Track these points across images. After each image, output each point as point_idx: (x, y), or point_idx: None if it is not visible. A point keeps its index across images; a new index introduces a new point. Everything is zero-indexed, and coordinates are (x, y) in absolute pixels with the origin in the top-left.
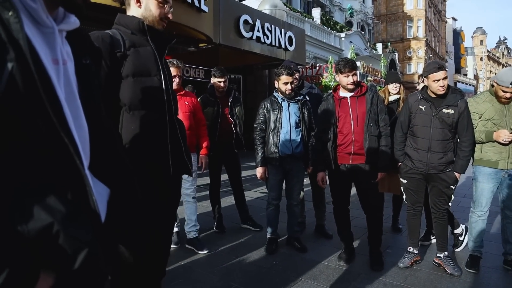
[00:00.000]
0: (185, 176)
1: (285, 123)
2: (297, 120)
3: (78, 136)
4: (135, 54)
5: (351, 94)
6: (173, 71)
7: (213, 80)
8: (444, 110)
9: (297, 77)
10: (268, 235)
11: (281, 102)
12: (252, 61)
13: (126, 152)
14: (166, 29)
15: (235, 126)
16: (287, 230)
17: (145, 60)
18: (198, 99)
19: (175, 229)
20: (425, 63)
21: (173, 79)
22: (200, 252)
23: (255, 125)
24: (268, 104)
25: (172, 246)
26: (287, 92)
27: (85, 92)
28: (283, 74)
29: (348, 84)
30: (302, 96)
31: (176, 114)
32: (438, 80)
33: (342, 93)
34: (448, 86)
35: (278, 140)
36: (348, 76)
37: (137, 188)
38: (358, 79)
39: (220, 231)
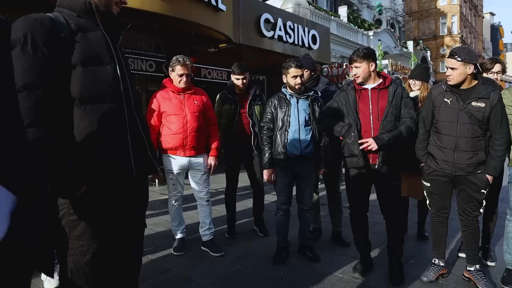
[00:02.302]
0: (196, 179)
1: (294, 121)
2: (307, 118)
3: None
4: (84, 40)
5: (373, 86)
6: (179, 69)
7: (233, 77)
8: (474, 103)
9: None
10: (278, 243)
11: (289, 98)
12: (276, 61)
13: (72, 152)
14: (181, 28)
15: (253, 125)
16: (298, 238)
17: (96, 47)
18: (217, 96)
19: (180, 235)
20: None
21: (180, 78)
22: (215, 254)
23: (261, 124)
24: (276, 101)
25: (175, 253)
26: (296, 87)
27: None
28: (291, 67)
29: (354, 75)
30: (312, 92)
31: (136, 107)
32: (447, 68)
33: (363, 84)
34: (478, 76)
35: (286, 140)
36: (351, 68)
37: (47, 196)
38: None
39: (231, 236)
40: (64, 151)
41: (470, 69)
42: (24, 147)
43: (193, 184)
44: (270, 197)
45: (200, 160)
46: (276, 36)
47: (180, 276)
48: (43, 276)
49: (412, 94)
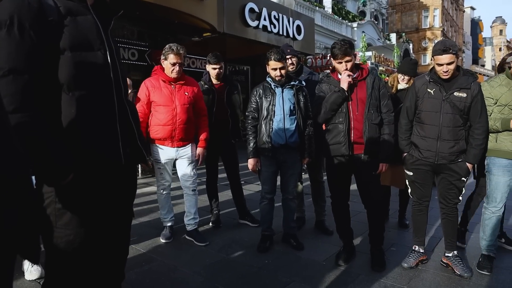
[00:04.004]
0: (184, 168)
1: (278, 111)
2: (292, 107)
3: None
4: (73, 24)
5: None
6: (172, 58)
7: (208, 66)
8: (456, 94)
9: (294, 62)
10: (262, 232)
11: (274, 88)
12: (260, 51)
13: (64, 139)
14: (165, 16)
15: (231, 115)
16: (282, 226)
17: (85, 31)
18: None
19: (169, 223)
20: None
21: (173, 67)
22: (199, 244)
23: (246, 113)
24: (261, 90)
25: (162, 241)
26: (276, 78)
27: None
28: (271, 59)
29: (343, 71)
30: (297, 81)
31: (126, 95)
32: (441, 65)
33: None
34: (459, 67)
35: (270, 129)
36: (341, 63)
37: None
38: (357, 62)
39: (215, 226)
40: (51, 138)
41: (458, 60)
42: (7, 132)
43: (180, 173)
44: (253, 187)
45: (187, 150)
46: (260, 26)
47: (165, 265)
48: (24, 267)
49: (401, 87)
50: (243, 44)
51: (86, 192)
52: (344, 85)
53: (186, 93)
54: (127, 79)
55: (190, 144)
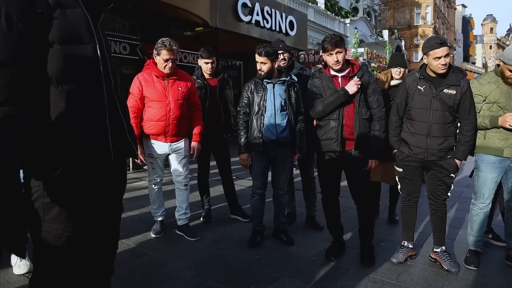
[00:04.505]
0: (176, 163)
1: (270, 106)
2: (283, 103)
3: None
4: (62, 16)
5: (343, 74)
6: (165, 54)
7: (201, 61)
8: (445, 91)
9: (286, 57)
10: (253, 227)
11: (266, 83)
12: (252, 46)
13: (57, 133)
14: (157, 10)
15: (223, 109)
16: (273, 222)
17: (75, 24)
18: None
19: (160, 218)
20: None
21: (166, 63)
22: (190, 239)
23: (238, 108)
24: (252, 86)
25: (153, 235)
26: (259, 72)
27: None
28: (256, 54)
29: (333, 64)
30: (289, 77)
31: (116, 89)
32: (439, 58)
33: (333, 72)
34: (449, 64)
35: (262, 125)
36: (331, 54)
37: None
38: (348, 57)
39: (206, 221)
40: (40, 132)
41: (449, 56)
42: None
43: (172, 168)
44: (245, 182)
45: (181, 144)
46: (253, 21)
47: (155, 260)
48: (12, 261)
49: (394, 83)
50: (236, 39)
51: (75, 187)
52: (350, 88)
53: (179, 88)
54: None
55: (183, 139)
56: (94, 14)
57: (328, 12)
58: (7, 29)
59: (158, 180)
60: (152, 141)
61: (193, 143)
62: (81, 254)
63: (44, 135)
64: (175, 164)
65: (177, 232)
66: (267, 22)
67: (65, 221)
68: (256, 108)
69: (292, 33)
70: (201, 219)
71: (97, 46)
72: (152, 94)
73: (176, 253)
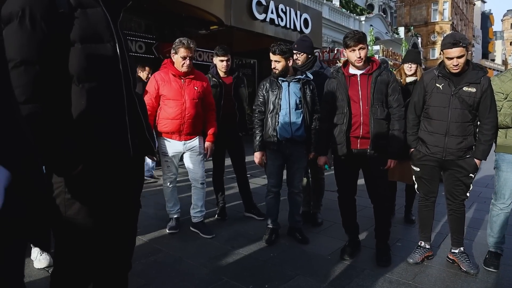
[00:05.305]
0: (192, 161)
1: (284, 104)
2: (298, 101)
3: None
4: (83, 16)
5: (362, 71)
6: (182, 52)
7: (216, 59)
8: (465, 89)
9: (299, 58)
10: (268, 225)
11: (281, 81)
12: (267, 45)
13: (65, 129)
14: (172, 9)
15: (238, 108)
16: (288, 220)
17: (95, 24)
18: None
19: (175, 215)
20: None
21: (184, 61)
22: (205, 236)
23: (254, 107)
24: (268, 84)
25: (168, 232)
26: (273, 71)
27: None
28: (270, 52)
29: (356, 61)
30: (304, 75)
31: (134, 87)
32: (451, 58)
33: (352, 70)
34: (468, 61)
35: (276, 123)
36: (354, 50)
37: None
38: (371, 55)
39: (221, 218)
40: (61, 129)
41: (468, 53)
42: (18, 123)
43: (188, 166)
44: (259, 181)
45: (195, 142)
46: (268, 19)
47: (171, 256)
48: (33, 255)
49: (409, 80)
50: (250, 37)
51: (95, 183)
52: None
53: (195, 87)
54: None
55: (197, 137)
56: (113, 13)
57: (343, 10)
58: (31, 29)
59: (173, 178)
60: (167, 139)
61: (207, 143)
62: (100, 249)
63: (65, 133)
64: (191, 162)
65: (192, 229)
66: (282, 20)
67: (86, 216)
68: (271, 106)
69: (307, 31)
70: (216, 216)
71: (117, 45)
72: (168, 92)
73: (191, 250)
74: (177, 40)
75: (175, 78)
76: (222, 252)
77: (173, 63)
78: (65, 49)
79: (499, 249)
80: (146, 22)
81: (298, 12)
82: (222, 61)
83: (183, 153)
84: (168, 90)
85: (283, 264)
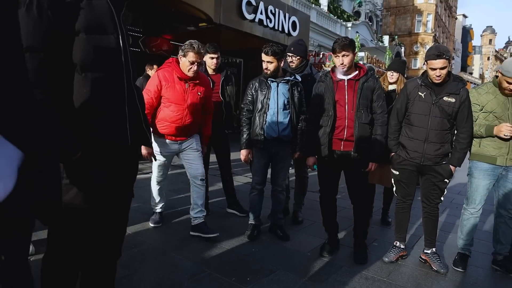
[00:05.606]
0: (190, 158)
1: (273, 104)
2: (286, 102)
3: None
4: (89, 7)
5: (349, 77)
6: (191, 56)
7: (206, 56)
8: (445, 98)
9: (294, 61)
10: (250, 221)
11: (270, 82)
12: (254, 45)
13: (67, 115)
14: (161, 3)
15: (225, 105)
16: (269, 217)
17: (100, 15)
18: None
19: (159, 210)
20: None
21: (191, 66)
22: (209, 235)
23: (242, 105)
24: (257, 84)
25: (151, 225)
26: (265, 71)
27: None
28: (262, 52)
29: (339, 66)
30: (293, 77)
31: (134, 80)
32: (434, 69)
33: (339, 75)
34: (449, 73)
35: (264, 122)
36: (338, 56)
37: (54, 153)
38: (357, 61)
39: None
40: (64, 115)
41: (449, 65)
42: (33, 106)
43: (187, 165)
44: (242, 179)
45: (191, 141)
46: (257, 20)
47: (154, 249)
48: None
49: (390, 87)
50: (238, 36)
51: (92, 170)
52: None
53: (199, 93)
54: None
55: (194, 136)
56: (117, 6)
57: (331, 15)
58: (38, 16)
59: (163, 178)
60: (161, 139)
61: (202, 146)
62: (93, 235)
63: (67, 119)
64: (190, 158)
65: (192, 233)
66: (270, 22)
67: (82, 202)
68: (259, 105)
69: (295, 34)
70: None
71: (120, 37)
72: (171, 96)
73: (174, 243)
74: (187, 42)
75: (179, 81)
76: (204, 246)
77: (178, 63)
78: (70, 38)
79: (467, 251)
80: (134, 14)
81: (287, 15)
82: (212, 58)
83: (178, 152)
84: (171, 93)
85: (264, 259)
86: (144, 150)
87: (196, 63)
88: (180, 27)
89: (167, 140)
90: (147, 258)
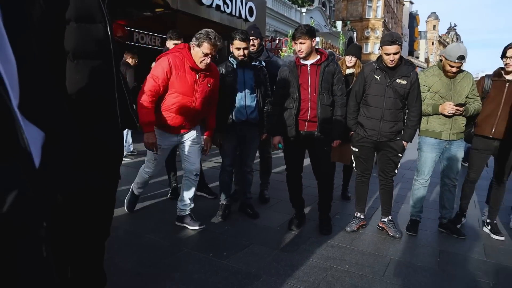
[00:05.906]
0: (189, 150)
1: (240, 89)
2: (252, 86)
3: (4, 71)
4: None
5: (311, 62)
6: (206, 47)
7: (169, 42)
8: (398, 80)
9: (255, 43)
10: (222, 201)
11: (236, 67)
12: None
13: (72, 101)
14: None
15: None
16: (239, 196)
17: (89, 5)
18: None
19: (137, 193)
20: None
21: (204, 57)
22: (193, 228)
23: None
24: (223, 69)
25: (128, 206)
26: (239, 58)
27: (11, 21)
28: (235, 39)
29: (298, 52)
30: (258, 62)
31: (120, 66)
32: (388, 54)
33: (303, 60)
34: (401, 57)
35: (232, 106)
36: (296, 43)
37: (77, 133)
38: (317, 47)
39: (174, 197)
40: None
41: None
42: (54, 90)
43: (184, 157)
44: (208, 163)
45: (193, 133)
46: (214, 5)
47: (131, 232)
48: None
49: (349, 71)
50: (195, 22)
51: (83, 152)
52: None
53: (208, 84)
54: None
55: (195, 127)
56: None
57: (286, 1)
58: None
59: (155, 171)
60: (161, 131)
61: (206, 138)
62: (82, 215)
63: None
64: (188, 152)
65: (177, 223)
66: (228, 7)
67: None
68: (227, 90)
69: (251, 19)
70: (168, 196)
71: (107, 25)
72: (180, 86)
73: (149, 226)
74: (203, 31)
75: (191, 71)
76: (179, 228)
77: (190, 51)
78: (61, 27)
79: (418, 217)
80: None
81: (244, 0)
82: (176, 44)
83: (178, 144)
84: (181, 84)
85: (237, 235)
86: (147, 140)
87: (210, 56)
88: (135, 12)
89: (166, 133)
90: (125, 241)
